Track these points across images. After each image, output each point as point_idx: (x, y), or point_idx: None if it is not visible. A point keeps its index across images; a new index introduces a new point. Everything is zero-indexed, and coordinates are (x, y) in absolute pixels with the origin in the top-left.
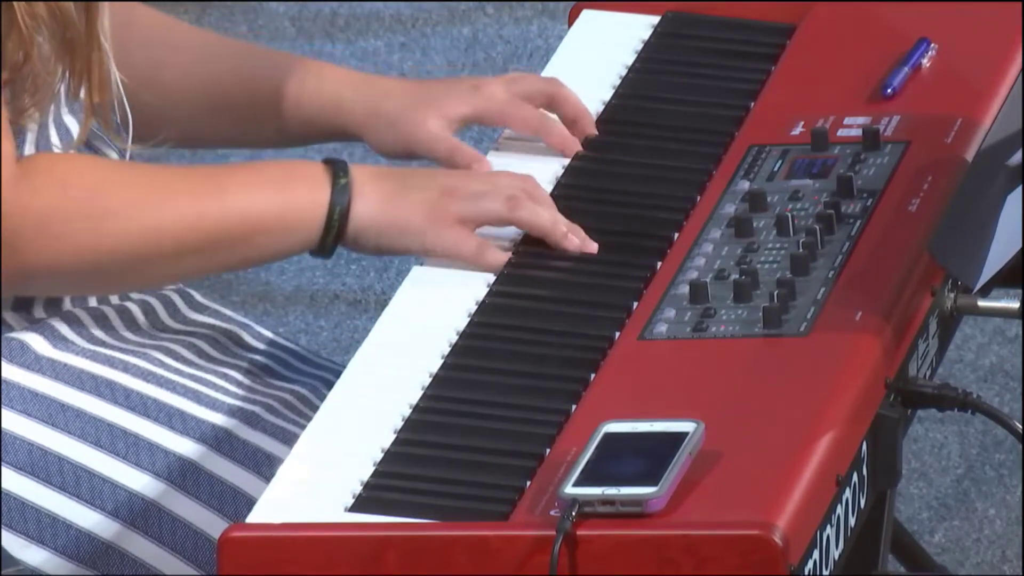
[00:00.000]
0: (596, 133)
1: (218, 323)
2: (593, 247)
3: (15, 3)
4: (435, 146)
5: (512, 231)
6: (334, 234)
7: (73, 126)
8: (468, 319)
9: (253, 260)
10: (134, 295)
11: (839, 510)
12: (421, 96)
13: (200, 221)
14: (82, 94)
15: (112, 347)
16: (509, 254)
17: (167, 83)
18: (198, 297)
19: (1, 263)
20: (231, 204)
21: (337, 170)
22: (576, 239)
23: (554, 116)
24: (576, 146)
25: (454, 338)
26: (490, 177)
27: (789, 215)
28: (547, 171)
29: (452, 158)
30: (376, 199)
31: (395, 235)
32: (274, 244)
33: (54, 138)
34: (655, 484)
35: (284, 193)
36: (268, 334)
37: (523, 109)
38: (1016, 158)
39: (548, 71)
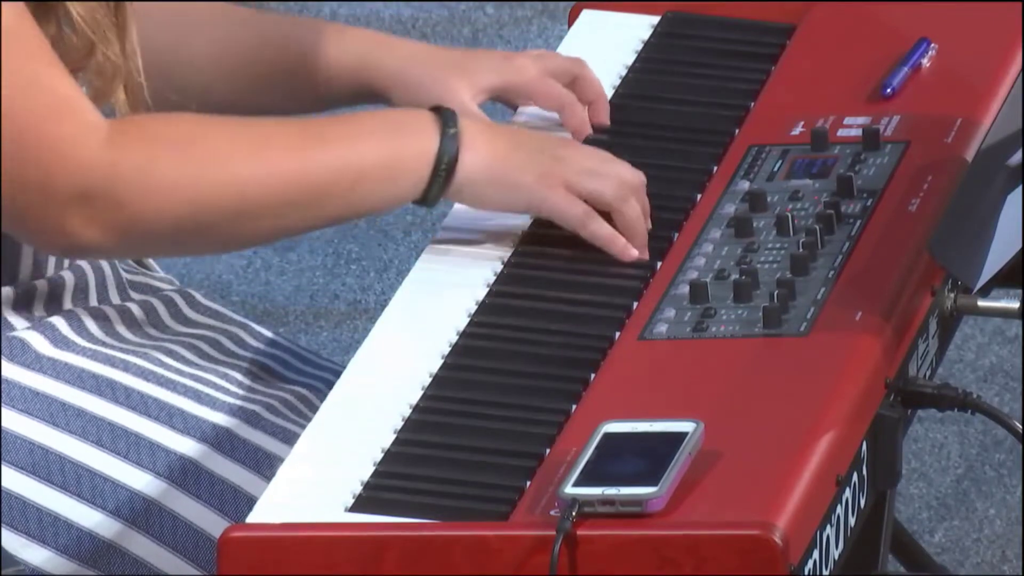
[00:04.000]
0: (607, 121)
1: (218, 323)
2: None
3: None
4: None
5: (519, 223)
6: (440, 184)
7: None
8: (468, 319)
9: (356, 212)
10: (134, 295)
11: (839, 510)
12: (450, 63)
13: (302, 173)
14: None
15: (113, 347)
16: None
17: (194, 58)
18: (199, 297)
19: (102, 223)
20: (333, 154)
21: (447, 119)
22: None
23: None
24: (588, 131)
25: (454, 338)
26: (606, 159)
27: (789, 215)
28: None
29: None
30: (485, 153)
31: (501, 191)
32: (378, 194)
33: None
34: (655, 484)
35: (390, 142)
36: (268, 334)
37: (551, 86)
38: (1016, 158)
39: None
